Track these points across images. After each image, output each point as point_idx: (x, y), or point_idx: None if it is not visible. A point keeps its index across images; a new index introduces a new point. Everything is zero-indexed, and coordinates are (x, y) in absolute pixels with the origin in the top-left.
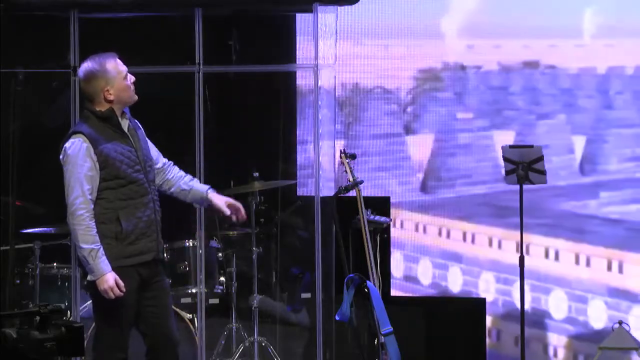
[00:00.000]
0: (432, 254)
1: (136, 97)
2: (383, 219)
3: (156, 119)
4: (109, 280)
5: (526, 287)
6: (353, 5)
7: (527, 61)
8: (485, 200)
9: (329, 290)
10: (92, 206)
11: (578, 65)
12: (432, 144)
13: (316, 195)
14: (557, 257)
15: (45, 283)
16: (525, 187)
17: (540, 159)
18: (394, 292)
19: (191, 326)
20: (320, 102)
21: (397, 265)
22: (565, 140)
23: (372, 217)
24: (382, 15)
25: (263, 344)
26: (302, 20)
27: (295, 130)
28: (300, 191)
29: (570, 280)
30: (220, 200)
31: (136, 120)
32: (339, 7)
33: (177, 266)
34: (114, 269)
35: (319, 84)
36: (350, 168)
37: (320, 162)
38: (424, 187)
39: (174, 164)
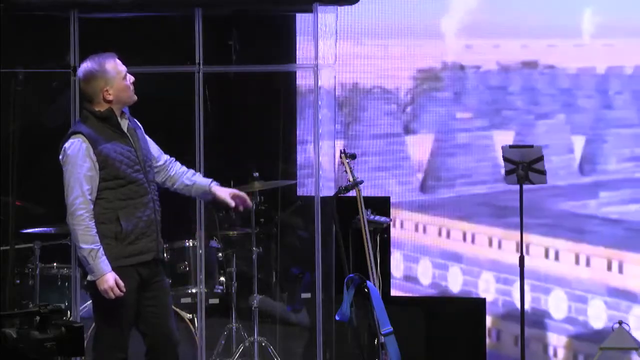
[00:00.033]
0: (432, 254)
1: (135, 98)
2: (383, 219)
3: (156, 119)
4: (109, 280)
5: (526, 287)
6: (353, 5)
7: (526, 61)
8: (485, 200)
9: (329, 290)
10: (92, 206)
11: (577, 65)
12: (432, 143)
13: (316, 195)
14: (557, 257)
15: (45, 283)
16: (525, 187)
17: (540, 159)
18: (394, 292)
19: (191, 326)
20: (320, 102)
21: (397, 265)
22: (565, 140)
23: (372, 217)
24: (381, 15)
25: (263, 344)
26: (302, 20)
27: (295, 130)
28: (300, 191)
29: (570, 280)
30: (224, 192)
31: (136, 120)
32: (339, 7)
33: (177, 266)
34: (114, 269)
35: (319, 84)
36: (350, 168)
37: (320, 162)
38: (423, 187)
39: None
